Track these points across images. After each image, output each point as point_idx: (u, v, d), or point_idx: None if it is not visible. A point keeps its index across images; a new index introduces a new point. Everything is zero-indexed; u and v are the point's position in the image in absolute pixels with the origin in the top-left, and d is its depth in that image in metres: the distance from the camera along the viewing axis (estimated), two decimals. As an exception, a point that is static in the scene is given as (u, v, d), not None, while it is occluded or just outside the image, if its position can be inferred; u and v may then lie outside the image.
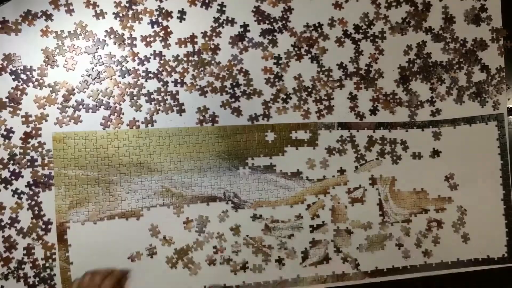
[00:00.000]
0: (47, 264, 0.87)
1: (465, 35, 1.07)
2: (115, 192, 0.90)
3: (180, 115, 0.94)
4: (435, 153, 1.04)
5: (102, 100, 0.91)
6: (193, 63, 0.95)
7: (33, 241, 0.87)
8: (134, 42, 0.93)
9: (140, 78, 0.93)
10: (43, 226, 0.87)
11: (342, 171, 1.00)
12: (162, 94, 0.93)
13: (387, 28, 1.03)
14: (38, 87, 0.89)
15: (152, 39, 0.94)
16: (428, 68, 1.05)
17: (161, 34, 0.94)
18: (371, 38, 1.03)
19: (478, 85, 1.07)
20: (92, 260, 0.88)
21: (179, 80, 0.94)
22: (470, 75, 1.06)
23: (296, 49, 0.99)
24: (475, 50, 1.07)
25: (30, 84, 0.89)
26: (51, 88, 0.89)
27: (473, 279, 1.05)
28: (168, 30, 0.94)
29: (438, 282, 1.03)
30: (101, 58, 0.91)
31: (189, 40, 0.95)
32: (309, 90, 0.99)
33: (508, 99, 1.09)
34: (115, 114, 0.91)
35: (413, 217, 1.02)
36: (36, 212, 0.87)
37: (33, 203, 0.87)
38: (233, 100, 0.96)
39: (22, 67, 0.88)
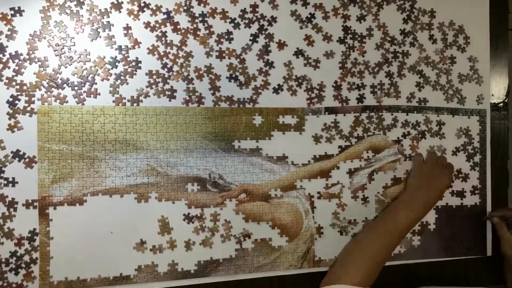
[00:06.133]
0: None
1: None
2: (99, 168, 0.89)
3: (170, 100, 0.93)
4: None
5: (87, 76, 0.89)
6: (185, 54, 0.94)
7: None
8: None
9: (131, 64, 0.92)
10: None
11: (328, 156, 1.01)
12: (155, 77, 0.93)
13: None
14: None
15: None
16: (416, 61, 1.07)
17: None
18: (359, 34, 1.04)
19: (461, 79, 1.09)
20: (73, 235, 0.87)
21: (169, 65, 0.93)
22: (456, 69, 1.09)
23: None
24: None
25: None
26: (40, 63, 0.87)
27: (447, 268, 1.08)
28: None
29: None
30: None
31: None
32: (300, 80, 1.00)
33: (492, 95, 1.11)
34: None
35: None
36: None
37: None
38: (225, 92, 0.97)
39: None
